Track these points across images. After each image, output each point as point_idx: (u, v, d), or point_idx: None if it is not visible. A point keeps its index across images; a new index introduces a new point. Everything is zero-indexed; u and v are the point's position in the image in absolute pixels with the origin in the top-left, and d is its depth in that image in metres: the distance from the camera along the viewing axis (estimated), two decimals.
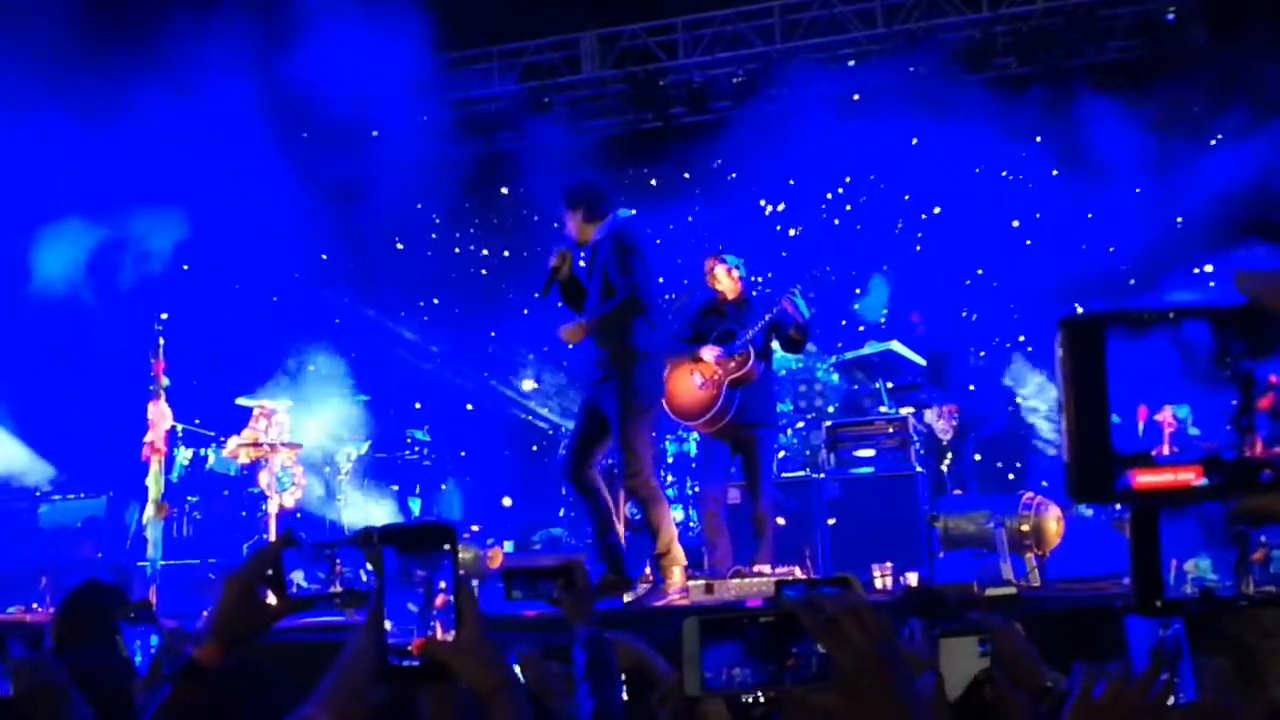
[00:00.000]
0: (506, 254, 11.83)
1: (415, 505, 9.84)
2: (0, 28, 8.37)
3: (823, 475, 7.70)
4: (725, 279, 6.88)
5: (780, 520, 7.05)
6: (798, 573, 6.00)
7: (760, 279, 7.05)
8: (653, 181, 11.22)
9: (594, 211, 6.04)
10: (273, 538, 7.23)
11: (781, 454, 8.16)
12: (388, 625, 1.41)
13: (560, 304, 6.20)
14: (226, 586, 1.62)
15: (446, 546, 1.43)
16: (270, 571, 1.67)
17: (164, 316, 7.32)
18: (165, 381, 7.15)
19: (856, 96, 10.24)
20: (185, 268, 9.71)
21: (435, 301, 11.77)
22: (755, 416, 6.72)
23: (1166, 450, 0.71)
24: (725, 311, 6.87)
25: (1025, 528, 6.26)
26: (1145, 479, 0.71)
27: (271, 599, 1.67)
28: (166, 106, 8.84)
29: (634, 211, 6.59)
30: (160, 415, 6.94)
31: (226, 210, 10.23)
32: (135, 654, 2.68)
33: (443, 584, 1.42)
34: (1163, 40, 9.90)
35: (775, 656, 1.34)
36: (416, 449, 10.00)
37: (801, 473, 7.95)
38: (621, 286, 5.83)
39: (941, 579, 6.41)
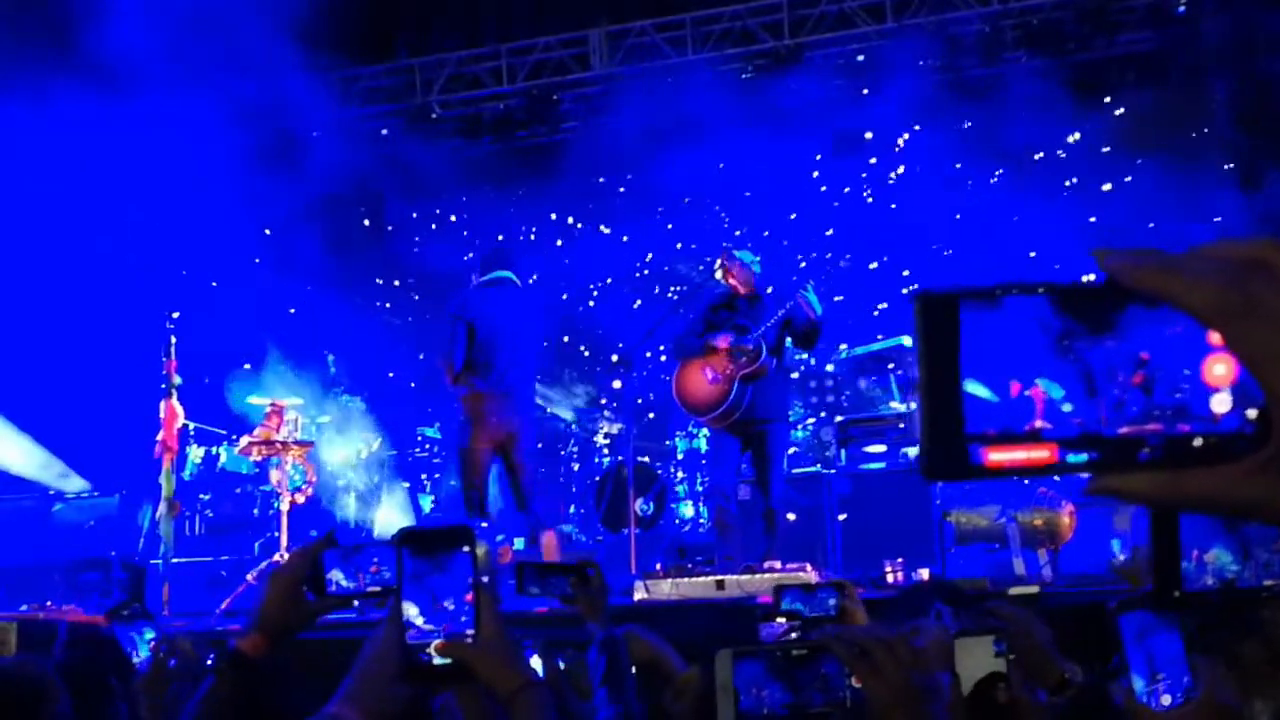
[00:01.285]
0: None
1: (426, 502, 9.85)
2: None
3: (834, 471, 7.69)
4: (738, 274, 6.87)
5: (791, 516, 7.04)
6: (809, 569, 5.99)
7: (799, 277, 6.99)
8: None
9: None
10: (284, 536, 7.26)
11: (792, 450, 8.16)
12: (417, 622, 1.42)
13: None
14: (271, 582, 1.71)
15: (465, 548, 1.44)
16: (311, 570, 1.77)
17: (175, 315, 7.35)
18: (177, 380, 7.17)
19: (865, 91, 10.22)
20: (184, 273, 9.73)
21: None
22: (766, 412, 6.71)
23: (1039, 426, 0.73)
24: (737, 307, 6.87)
25: (1038, 522, 6.25)
26: (997, 456, 0.71)
27: (312, 596, 1.77)
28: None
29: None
30: (172, 414, 6.96)
31: (238, 210, 10.25)
32: (133, 652, 2.68)
33: (461, 585, 1.43)
34: (1174, 32, 9.86)
35: (807, 688, 1.34)
36: (427, 446, 10.02)
37: (812, 468, 7.94)
38: None
39: (953, 575, 6.40)
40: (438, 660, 1.40)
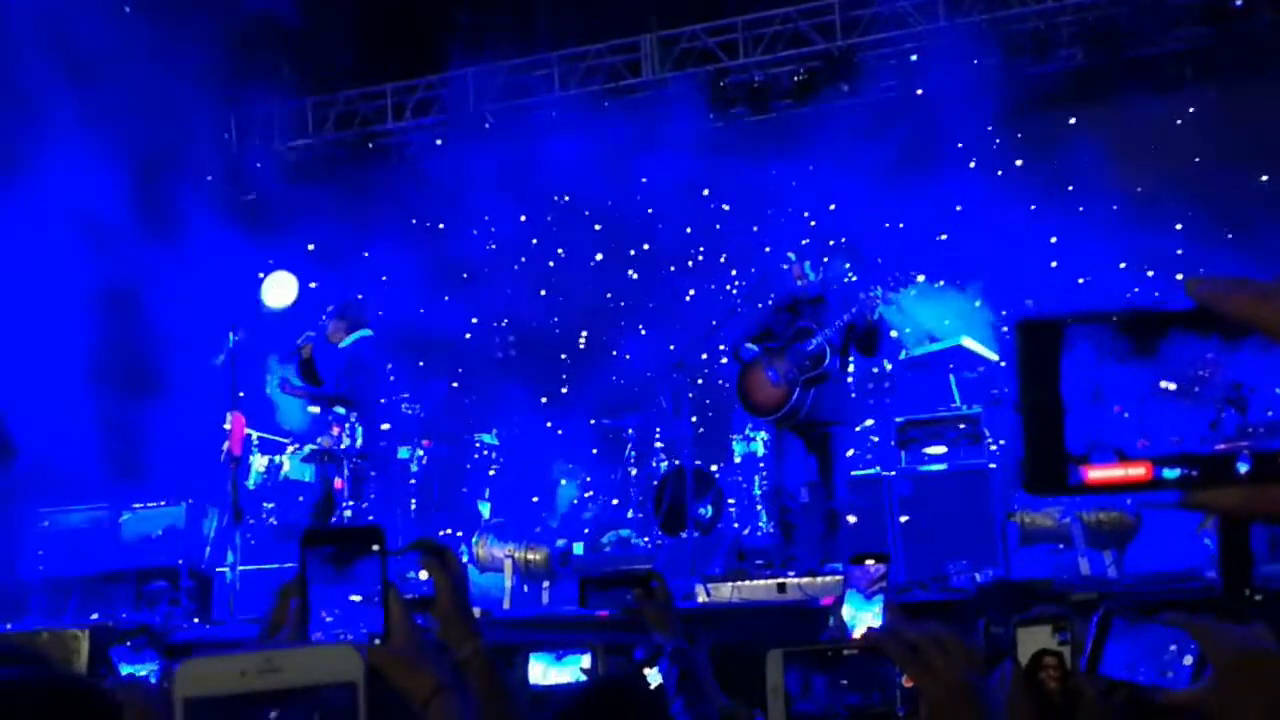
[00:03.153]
0: (560, 252, 11.83)
1: (485, 509, 9.91)
2: None
3: (894, 473, 7.64)
4: (804, 275, 6.84)
5: (851, 518, 7.00)
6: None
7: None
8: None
9: (351, 325, 8.20)
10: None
11: (851, 452, 8.11)
12: (326, 622, 1.37)
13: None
14: (280, 596, 1.64)
15: (375, 548, 1.39)
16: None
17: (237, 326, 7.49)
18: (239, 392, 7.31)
19: (920, 91, 10.15)
20: (260, 274, 9.88)
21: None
22: (830, 414, 6.67)
23: (1140, 444, 0.78)
24: (801, 310, 6.82)
25: (1103, 522, 6.16)
26: (1096, 474, 0.76)
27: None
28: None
29: (372, 333, 8.35)
30: (239, 423, 7.08)
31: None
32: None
33: (370, 587, 1.38)
34: (1232, 27, 9.68)
35: (860, 687, 1.34)
36: (485, 452, 10.08)
37: (872, 470, 7.89)
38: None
39: (1018, 575, 6.33)
40: None
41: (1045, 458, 0.75)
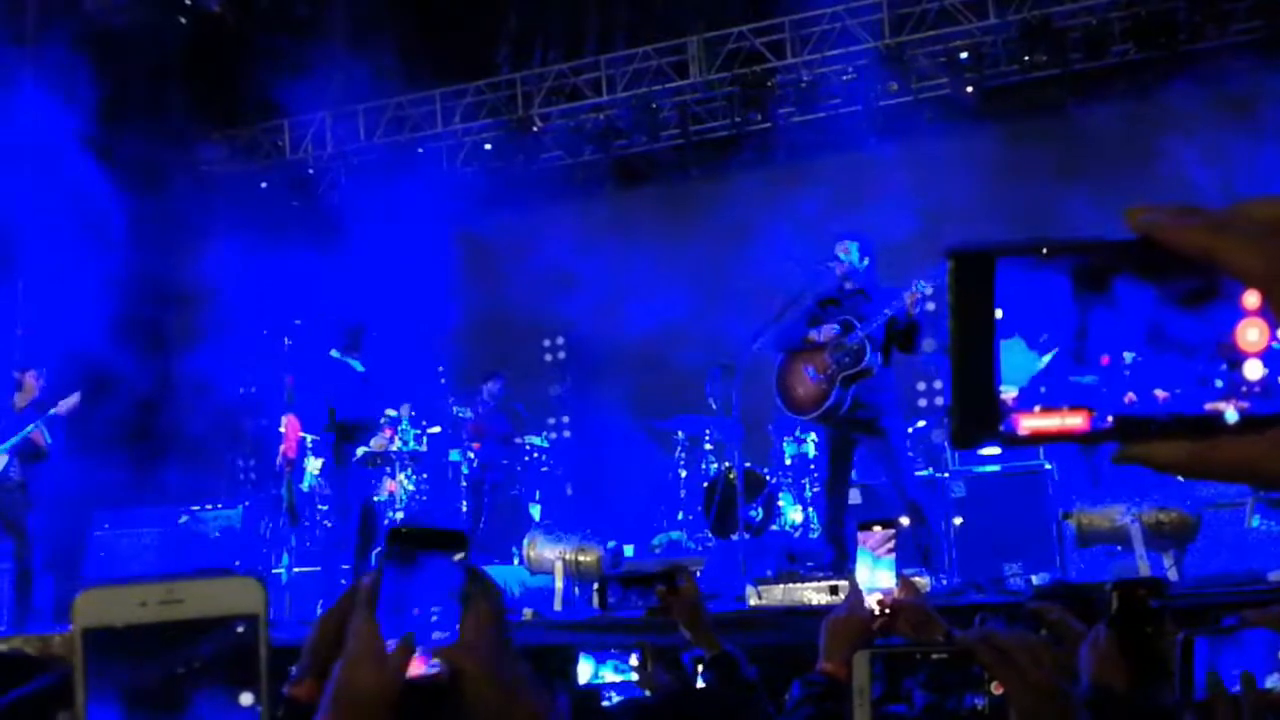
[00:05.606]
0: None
1: (535, 511, 9.95)
2: None
3: (947, 474, 7.56)
4: (847, 269, 6.74)
5: (904, 520, 6.94)
6: (923, 574, 5.90)
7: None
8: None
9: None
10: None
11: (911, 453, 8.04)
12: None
13: None
14: (320, 625, 1.59)
15: (457, 556, 1.35)
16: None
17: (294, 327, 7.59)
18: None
19: (970, 89, 10.07)
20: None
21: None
22: (871, 412, 6.55)
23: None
24: (842, 304, 6.73)
25: (1163, 523, 6.06)
26: (1030, 423, 0.68)
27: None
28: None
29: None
30: (293, 426, 7.17)
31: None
32: None
33: (439, 594, 1.34)
34: None
35: (948, 690, 1.32)
36: (535, 454, 10.13)
37: (925, 471, 7.82)
38: None
39: (1075, 578, 6.25)
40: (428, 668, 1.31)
41: (974, 404, 0.68)
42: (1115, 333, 0.68)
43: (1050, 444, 0.70)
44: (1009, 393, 0.68)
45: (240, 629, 0.99)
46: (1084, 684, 1.80)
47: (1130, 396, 0.68)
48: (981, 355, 0.69)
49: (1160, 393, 0.68)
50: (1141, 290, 0.68)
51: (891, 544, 2.31)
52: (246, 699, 0.98)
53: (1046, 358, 0.69)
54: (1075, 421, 0.69)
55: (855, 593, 2.28)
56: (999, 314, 0.68)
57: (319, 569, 8.47)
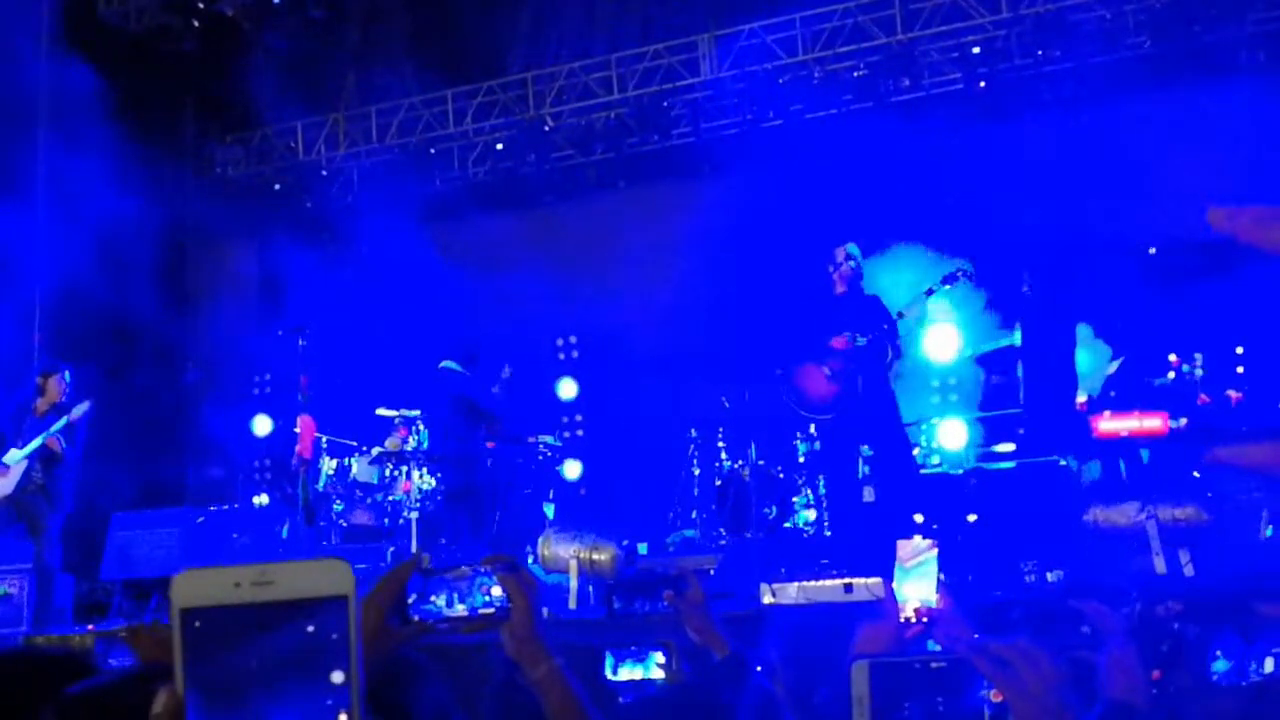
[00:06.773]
0: None
1: (549, 510, 9.96)
2: None
3: (961, 470, 7.55)
4: (847, 274, 6.80)
5: (919, 517, 6.94)
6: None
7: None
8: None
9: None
10: (414, 545, 7.44)
11: (918, 450, 8.03)
12: None
13: None
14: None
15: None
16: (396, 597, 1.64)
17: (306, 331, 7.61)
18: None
19: (983, 84, 10.03)
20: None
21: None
22: (881, 412, 6.64)
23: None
24: (844, 311, 6.80)
25: (1179, 519, 6.04)
26: (1106, 425, 0.70)
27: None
28: None
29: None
30: (308, 426, 7.20)
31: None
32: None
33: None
34: None
35: (947, 699, 1.33)
36: (549, 453, 10.13)
37: (940, 468, 7.81)
38: None
39: (1090, 575, 6.23)
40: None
41: (1050, 409, 0.68)
42: (1187, 336, 0.70)
43: (1127, 444, 0.72)
44: (1081, 397, 0.69)
45: (330, 609, 1.01)
46: (1103, 700, 1.80)
47: (1203, 398, 0.69)
48: (1060, 362, 0.70)
49: (1233, 394, 0.69)
50: (1216, 292, 0.69)
51: (932, 555, 2.33)
52: (337, 677, 1.01)
53: (1117, 363, 0.70)
54: (1153, 424, 0.70)
55: (891, 603, 2.30)
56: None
57: None
